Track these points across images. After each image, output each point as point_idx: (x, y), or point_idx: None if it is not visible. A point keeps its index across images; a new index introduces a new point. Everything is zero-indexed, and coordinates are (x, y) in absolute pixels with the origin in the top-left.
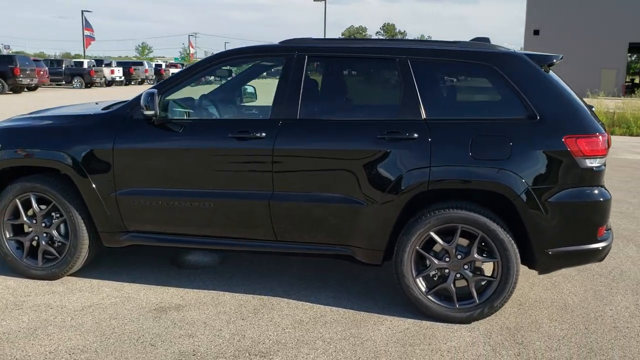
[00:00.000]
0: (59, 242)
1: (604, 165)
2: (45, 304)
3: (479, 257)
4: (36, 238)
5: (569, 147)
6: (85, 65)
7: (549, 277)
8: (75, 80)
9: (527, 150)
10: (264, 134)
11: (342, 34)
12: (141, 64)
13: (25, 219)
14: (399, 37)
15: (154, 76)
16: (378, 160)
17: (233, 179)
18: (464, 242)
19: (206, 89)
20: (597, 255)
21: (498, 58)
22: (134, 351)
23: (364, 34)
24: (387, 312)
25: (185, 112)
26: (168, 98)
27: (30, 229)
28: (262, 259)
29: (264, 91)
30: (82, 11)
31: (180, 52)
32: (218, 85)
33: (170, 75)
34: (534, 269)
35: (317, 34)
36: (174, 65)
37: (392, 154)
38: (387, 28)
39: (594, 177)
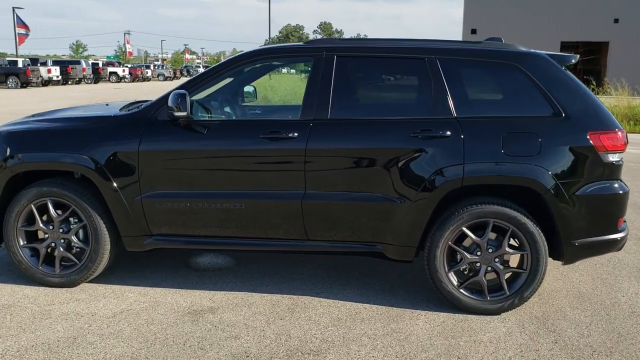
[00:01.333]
0: (77, 247)
1: (622, 160)
2: (74, 312)
3: (510, 250)
4: (53, 244)
5: (593, 142)
6: (20, 65)
7: (557, 268)
8: (10, 80)
9: (555, 146)
10: (296, 134)
11: (280, 32)
12: (78, 62)
13: (41, 224)
14: (336, 36)
15: (92, 75)
16: (412, 158)
17: (264, 180)
18: (491, 235)
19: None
20: (617, 245)
21: (523, 58)
22: (185, 356)
23: (301, 32)
24: (419, 307)
25: (209, 112)
26: (192, 99)
27: (46, 235)
28: (275, 260)
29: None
30: (13, 8)
31: (115, 50)
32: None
33: (196, 74)
34: (558, 259)
35: (256, 31)
36: (111, 64)
37: (425, 151)
38: (324, 27)
39: (615, 171)
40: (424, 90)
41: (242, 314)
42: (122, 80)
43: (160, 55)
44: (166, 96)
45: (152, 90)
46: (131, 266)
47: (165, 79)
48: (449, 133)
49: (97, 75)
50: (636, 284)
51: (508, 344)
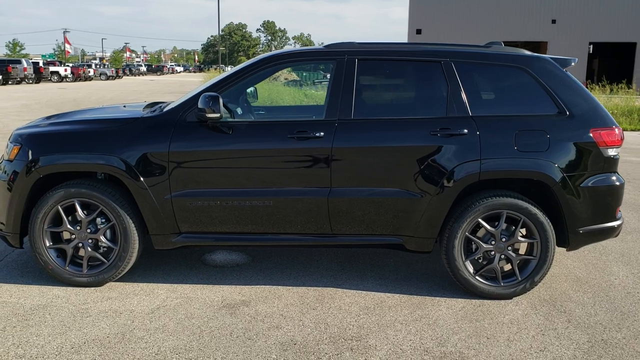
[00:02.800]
0: (104, 247)
1: (618, 154)
2: (111, 309)
3: (522, 239)
4: (80, 245)
5: (595, 138)
6: None
7: None
8: None
9: (562, 143)
10: (322, 134)
11: (222, 30)
12: (19, 62)
13: (68, 225)
14: (280, 34)
15: (33, 75)
16: (432, 155)
17: (292, 177)
18: (502, 225)
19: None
20: (615, 232)
21: (529, 61)
22: (236, 346)
23: (244, 31)
24: (436, 294)
25: (230, 113)
26: None
27: (73, 235)
28: (288, 255)
29: None
30: None
31: (54, 48)
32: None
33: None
34: (563, 246)
35: (197, 29)
36: (52, 63)
37: (444, 148)
38: (267, 25)
39: (613, 164)
40: (440, 91)
41: (275, 305)
42: (64, 79)
43: (98, 54)
44: (194, 98)
45: (99, 88)
46: (151, 265)
47: (108, 78)
48: (466, 131)
49: (39, 75)
50: (624, 268)
51: (527, 324)
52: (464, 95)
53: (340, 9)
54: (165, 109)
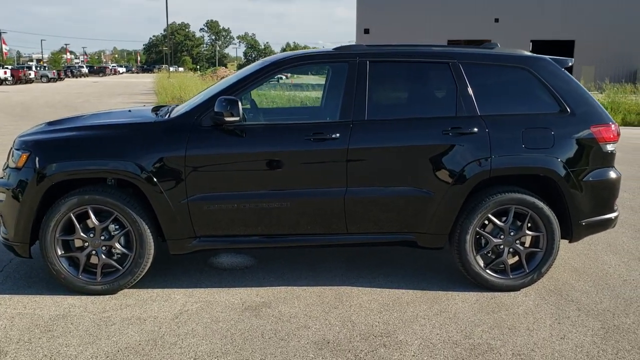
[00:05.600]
0: (118, 254)
1: (615, 149)
2: (134, 317)
3: (530, 232)
4: (93, 252)
5: (595, 135)
6: None
7: None
8: None
9: (565, 139)
10: (337, 135)
11: (164, 30)
12: None
13: (81, 233)
14: (224, 34)
15: None
16: (444, 154)
17: (309, 179)
18: (510, 220)
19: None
20: (613, 223)
21: (532, 61)
22: (272, 347)
23: (187, 30)
24: (447, 289)
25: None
26: None
27: (86, 243)
28: (293, 256)
29: None
30: None
31: None
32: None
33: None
34: (566, 238)
35: (137, 29)
36: None
37: (456, 147)
38: (211, 25)
39: (611, 159)
40: (449, 91)
41: (297, 306)
42: (4, 82)
43: (35, 56)
44: (208, 101)
45: (43, 91)
46: (159, 270)
47: (49, 80)
48: (476, 130)
49: None
50: (614, 257)
51: (541, 314)
52: (472, 95)
53: (285, 8)
54: (178, 113)
